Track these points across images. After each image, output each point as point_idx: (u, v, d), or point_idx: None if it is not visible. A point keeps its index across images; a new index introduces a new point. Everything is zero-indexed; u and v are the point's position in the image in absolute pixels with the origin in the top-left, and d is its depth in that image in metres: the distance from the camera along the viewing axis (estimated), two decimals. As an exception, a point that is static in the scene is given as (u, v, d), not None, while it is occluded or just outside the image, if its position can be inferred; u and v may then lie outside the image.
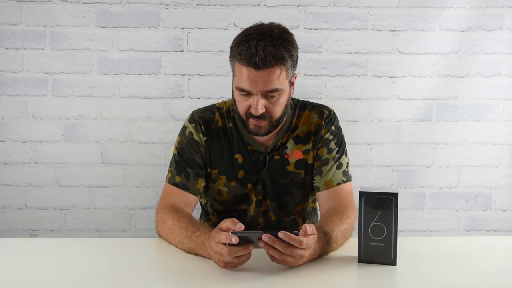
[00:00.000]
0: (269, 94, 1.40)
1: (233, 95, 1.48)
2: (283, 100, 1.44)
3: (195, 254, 1.30)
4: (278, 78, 1.38)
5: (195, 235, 1.30)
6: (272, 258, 1.18)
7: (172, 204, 1.48)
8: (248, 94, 1.41)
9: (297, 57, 1.45)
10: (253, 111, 1.41)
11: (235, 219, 1.20)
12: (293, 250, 1.16)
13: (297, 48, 1.45)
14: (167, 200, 1.50)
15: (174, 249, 1.35)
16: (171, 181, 1.53)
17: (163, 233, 1.42)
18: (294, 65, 1.44)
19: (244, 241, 1.16)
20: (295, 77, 1.49)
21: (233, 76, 1.45)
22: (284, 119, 1.52)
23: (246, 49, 1.36)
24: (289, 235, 1.14)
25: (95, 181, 2.36)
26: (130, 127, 2.35)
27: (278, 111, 1.44)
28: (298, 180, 1.56)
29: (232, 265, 1.18)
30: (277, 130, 1.53)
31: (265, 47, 1.35)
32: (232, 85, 1.46)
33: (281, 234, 1.13)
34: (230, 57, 1.44)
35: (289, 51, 1.40)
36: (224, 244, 1.16)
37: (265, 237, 1.14)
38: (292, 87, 1.49)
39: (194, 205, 1.54)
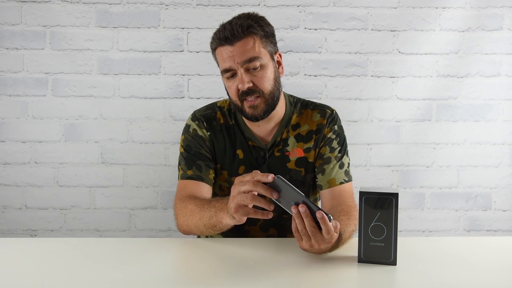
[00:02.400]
0: (250, 67, 1.43)
1: (226, 90, 1.51)
2: (269, 74, 1.46)
3: (214, 226, 1.31)
4: (253, 47, 1.42)
5: (217, 201, 1.31)
6: (295, 227, 1.16)
7: (189, 193, 1.48)
8: (233, 75, 1.45)
9: (272, 33, 1.49)
10: (239, 86, 1.43)
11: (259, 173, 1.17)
12: (316, 233, 1.14)
13: (269, 25, 1.49)
14: (183, 192, 1.50)
15: (173, 249, 1.35)
16: (183, 176, 1.54)
17: (183, 219, 1.41)
18: (268, 37, 1.47)
19: (283, 190, 1.13)
20: (280, 56, 1.52)
21: (219, 68, 1.49)
22: (279, 96, 1.51)
23: (217, 31, 1.45)
24: (325, 219, 1.12)
25: (95, 181, 2.36)
26: (130, 127, 2.35)
27: (266, 83, 1.45)
28: (298, 178, 1.57)
29: (244, 211, 1.18)
30: (276, 123, 1.55)
31: (232, 22, 1.44)
32: (222, 79, 1.50)
33: (319, 214, 1.11)
34: (211, 51, 1.50)
35: (258, 23, 1.45)
36: (251, 193, 1.15)
37: (302, 207, 1.12)
38: (280, 66, 1.52)
39: (210, 196, 1.54)
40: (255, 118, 1.48)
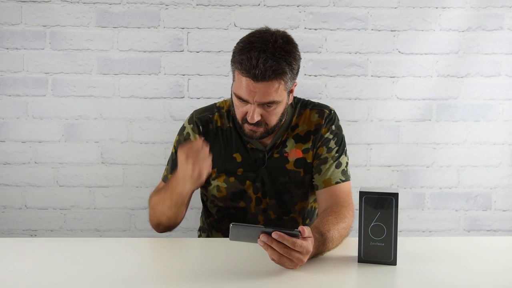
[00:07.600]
0: (266, 105, 1.42)
1: (231, 97, 1.50)
2: (279, 110, 1.46)
3: (171, 195, 1.41)
4: (276, 91, 1.39)
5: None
6: (271, 257, 1.17)
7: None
8: (245, 101, 1.42)
9: (298, 68, 1.46)
10: (248, 118, 1.43)
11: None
12: (291, 252, 1.14)
13: (299, 59, 1.45)
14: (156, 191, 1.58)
15: (173, 249, 1.35)
16: (164, 179, 1.59)
17: (151, 213, 1.50)
18: (294, 76, 1.44)
19: (244, 233, 1.16)
20: (295, 85, 1.50)
21: (233, 80, 1.46)
22: (282, 123, 1.53)
23: (247, 59, 1.36)
24: (282, 236, 1.13)
25: (95, 181, 2.36)
26: (130, 127, 2.35)
27: (273, 120, 1.46)
28: (297, 179, 1.57)
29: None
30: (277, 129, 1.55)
31: (266, 60, 1.35)
32: (231, 88, 1.48)
33: (274, 234, 1.12)
34: (231, 61, 1.44)
35: (290, 64, 1.40)
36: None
37: (263, 237, 1.13)
38: (291, 94, 1.50)
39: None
40: (251, 138, 1.50)
